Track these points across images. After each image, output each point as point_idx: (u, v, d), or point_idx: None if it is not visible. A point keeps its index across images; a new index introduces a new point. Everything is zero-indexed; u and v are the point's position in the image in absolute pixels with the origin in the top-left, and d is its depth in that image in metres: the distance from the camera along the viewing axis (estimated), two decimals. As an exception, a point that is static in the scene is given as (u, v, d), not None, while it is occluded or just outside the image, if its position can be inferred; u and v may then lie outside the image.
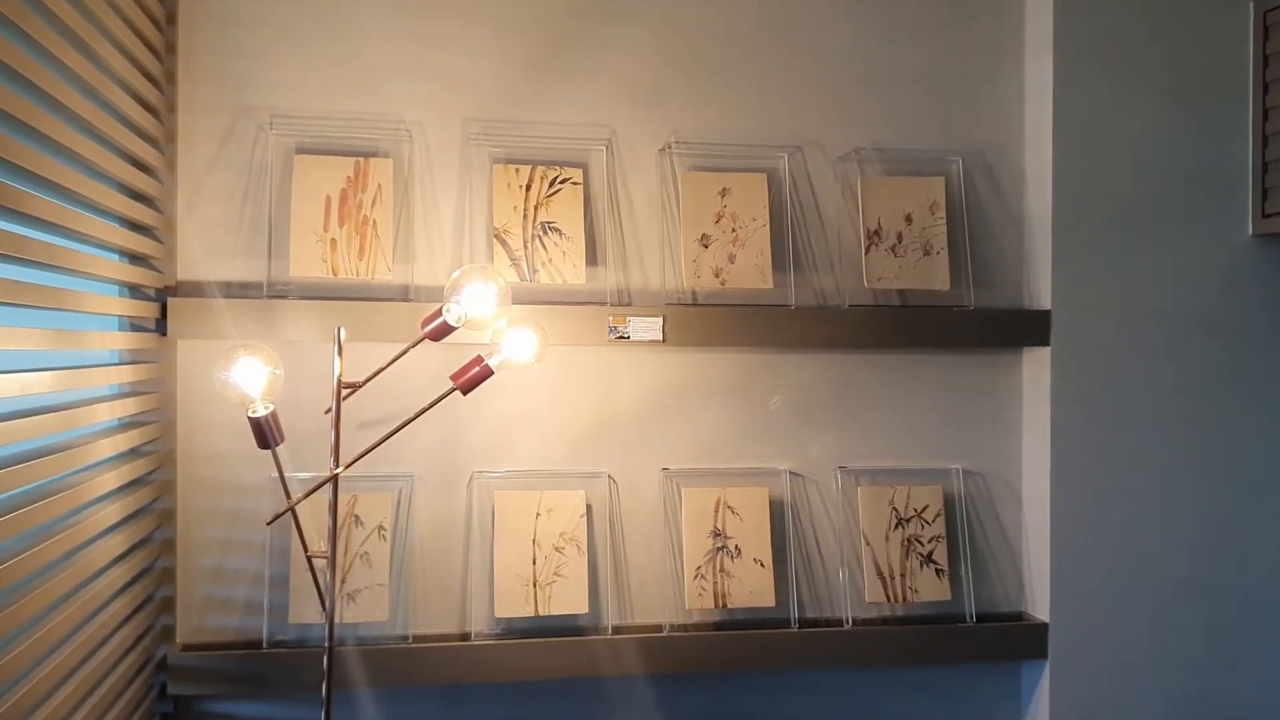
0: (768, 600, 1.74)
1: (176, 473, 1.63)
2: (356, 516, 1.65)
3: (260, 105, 1.65)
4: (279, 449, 1.40)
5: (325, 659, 1.42)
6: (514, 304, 1.50)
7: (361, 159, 1.65)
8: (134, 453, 1.51)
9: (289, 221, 1.62)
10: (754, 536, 1.75)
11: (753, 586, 1.74)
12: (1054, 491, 1.80)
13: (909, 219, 1.80)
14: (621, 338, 1.68)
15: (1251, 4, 1.86)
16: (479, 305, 1.43)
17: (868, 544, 1.79)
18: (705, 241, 1.74)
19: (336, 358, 1.41)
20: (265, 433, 1.38)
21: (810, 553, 1.81)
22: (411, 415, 1.44)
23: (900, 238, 1.79)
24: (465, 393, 1.45)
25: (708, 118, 1.78)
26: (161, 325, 1.59)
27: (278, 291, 1.62)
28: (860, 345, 1.81)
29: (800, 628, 1.75)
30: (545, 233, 1.69)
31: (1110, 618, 1.82)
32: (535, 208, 1.70)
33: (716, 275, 1.74)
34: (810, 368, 1.81)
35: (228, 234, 1.64)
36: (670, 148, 1.76)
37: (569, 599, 1.68)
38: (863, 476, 1.82)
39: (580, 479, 1.74)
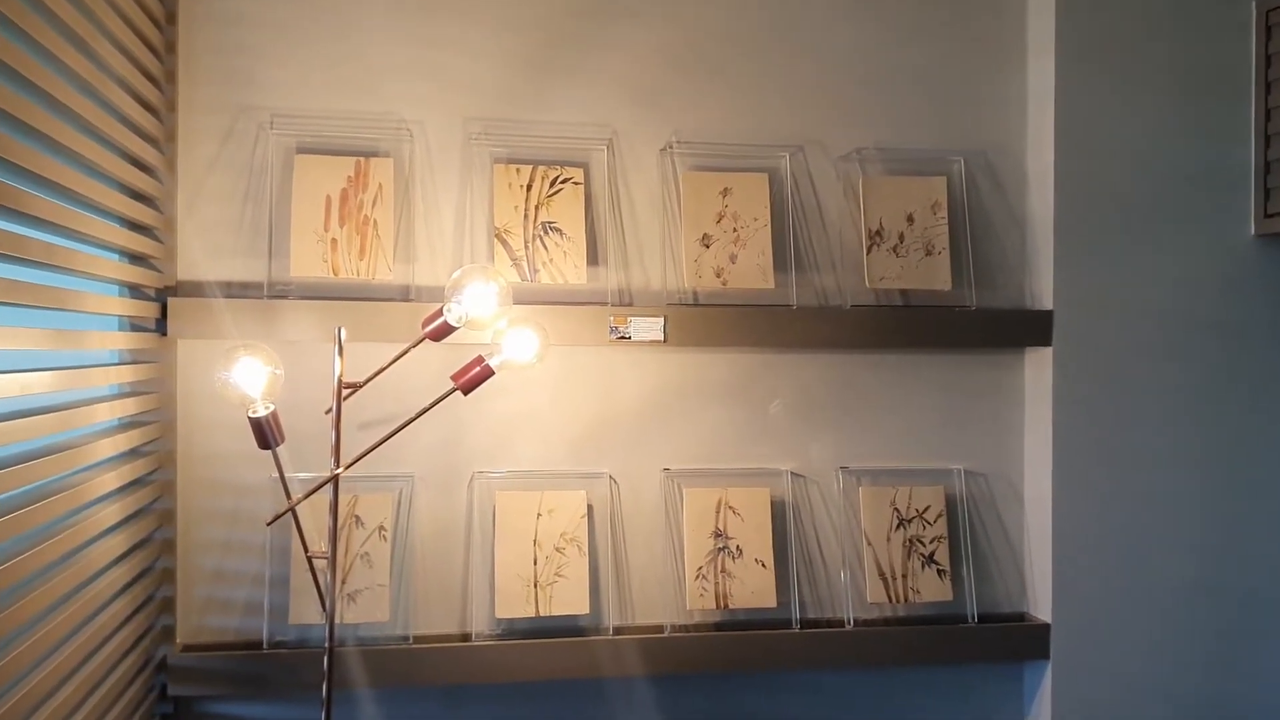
0: (769, 601, 1.74)
1: (176, 473, 1.63)
2: (357, 517, 1.64)
3: (261, 105, 1.65)
4: (279, 449, 1.40)
5: (326, 660, 1.41)
6: (515, 304, 1.50)
7: (362, 159, 1.65)
8: (134, 453, 1.51)
9: (289, 221, 1.62)
10: (755, 537, 1.75)
11: (754, 587, 1.74)
12: (1056, 492, 1.80)
13: (911, 219, 1.80)
14: (623, 338, 1.68)
15: (1253, 4, 1.85)
16: (480, 305, 1.43)
17: (869, 544, 1.79)
18: (706, 241, 1.74)
19: (337, 358, 1.41)
20: (265, 433, 1.38)
21: (812, 553, 1.81)
22: (412, 415, 1.44)
23: (902, 237, 1.79)
24: (466, 393, 1.45)
25: (709, 117, 1.78)
26: (161, 325, 1.59)
27: (278, 291, 1.62)
28: (862, 345, 1.80)
29: (802, 628, 1.75)
30: (546, 232, 1.69)
31: (1113, 618, 1.82)
32: (536, 208, 1.69)
33: (718, 275, 1.73)
34: (812, 368, 1.81)
35: (228, 234, 1.64)
36: (671, 147, 1.76)
37: (570, 599, 1.68)
38: (864, 477, 1.82)
39: (581, 479, 1.73)
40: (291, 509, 1.41)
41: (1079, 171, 1.80)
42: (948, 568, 1.80)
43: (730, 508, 1.75)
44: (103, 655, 1.35)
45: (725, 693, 1.80)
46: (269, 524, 1.49)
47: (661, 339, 1.69)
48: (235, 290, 1.63)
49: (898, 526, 1.80)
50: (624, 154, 1.76)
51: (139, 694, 1.50)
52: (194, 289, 1.63)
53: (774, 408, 1.78)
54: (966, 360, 1.85)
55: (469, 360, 1.45)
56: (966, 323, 1.80)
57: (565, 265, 1.69)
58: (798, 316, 1.74)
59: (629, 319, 1.68)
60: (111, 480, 1.39)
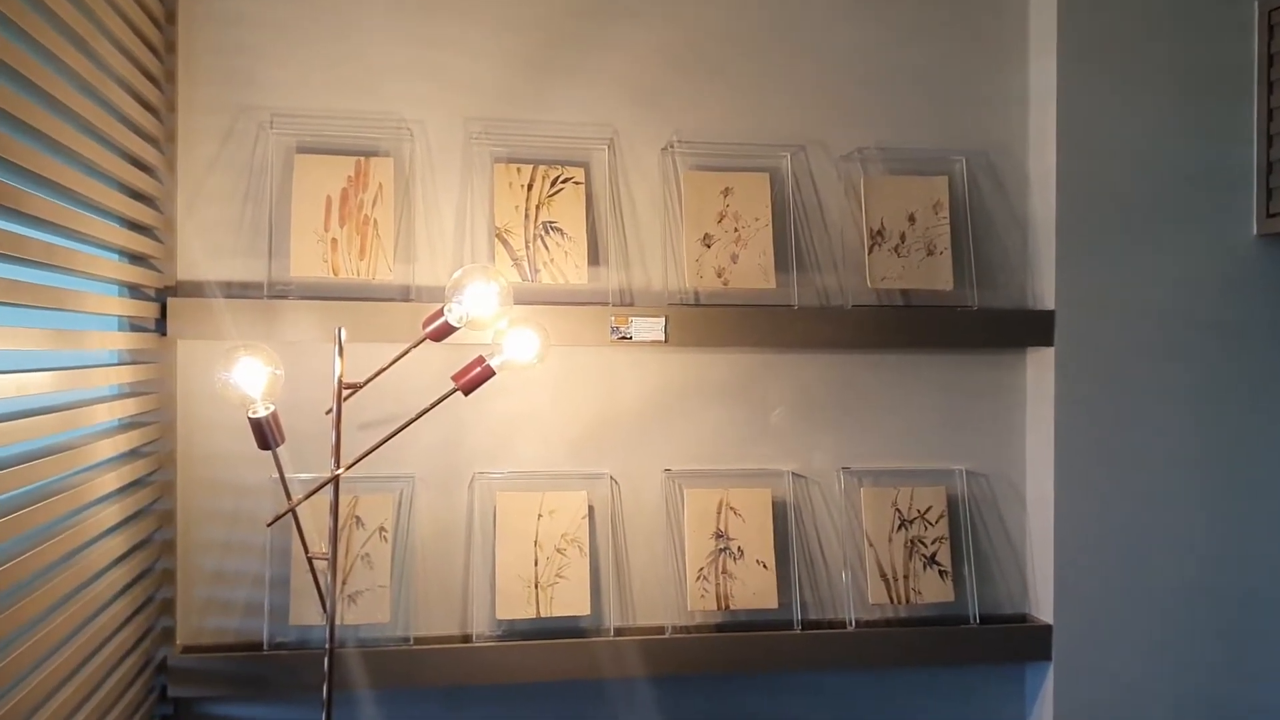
0: (770, 602, 1.73)
1: (176, 474, 1.63)
2: (357, 518, 1.64)
3: (261, 104, 1.64)
4: (279, 450, 1.39)
5: (326, 661, 1.41)
6: (516, 304, 1.50)
7: (362, 158, 1.64)
8: (134, 454, 1.51)
9: (289, 221, 1.62)
10: (756, 538, 1.75)
11: (755, 588, 1.73)
12: (1058, 492, 1.79)
13: (912, 219, 1.79)
14: (624, 338, 1.68)
15: (1255, 3, 1.85)
16: (481, 305, 1.42)
17: (871, 545, 1.78)
18: (708, 241, 1.73)
19: (337, 358, 1.41)
20: (266, 433, 1.37)
21: (813, 554, 1.81)
22: (413, 416, 1.44)
23: (903, 237, 1.79)
24: (467, 393, 1.44)
25: (710, 117, 1.78)
26: (161, 325, 1.58)
27: (278, 291, 1.62)
28: (863, 345, 1.80)
29: (803, 629, 1.75)
30: (547, 232, 1.69)
31: (1115, 619, 1.81)
32: (537, 207, 1.69)
33: (719, 275, 1.73)
34: (813, 368, 1.81)
35: (228, 234, 1.64)
36: (672, 147, 1.76)
37: (571, 600, 1.68)
38: (866, 477, 1.82)
39: (582, 480, 1.73)
40: (292, 510, 1.40)
41: (1081, 171, 1.80)
42: (949, 568, 1.79)
43: (731, 508, 1.75)
44: (103, 657, 1.35)
45: (726, 694, 1.79)
46: (269, 525, 1.48)
47: (662, 339, 1.69)
48: (235, 290, 1.63)
49: (899, 527, 1.79)
50: (625, 153, 1.75)
51: (139, 695, 1.50)
52: (194, 289, 1.62)
53: (775, 416, 1.77)
54: (968, 360, 1.85)
55: (469, 360, 1.45)
56: (968, 323, 1.79)
57: (566, 265, 1.68)
58: (799, 316, 1.74)
59: (630, 319, 1.68)
60: (111, 481, 1.39)
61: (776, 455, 1.80)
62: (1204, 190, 1.84)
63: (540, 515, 1.69)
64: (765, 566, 1.74)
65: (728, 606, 1.72)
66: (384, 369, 1.44)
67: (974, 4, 1.85)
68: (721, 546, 1.74)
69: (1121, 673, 1.82)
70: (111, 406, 1.40)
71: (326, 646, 1.41)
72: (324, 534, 1.48)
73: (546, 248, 1.68)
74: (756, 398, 1.79)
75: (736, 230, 1.74)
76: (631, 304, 1.74)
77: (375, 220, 1.63)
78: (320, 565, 1.43)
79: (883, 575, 1.78)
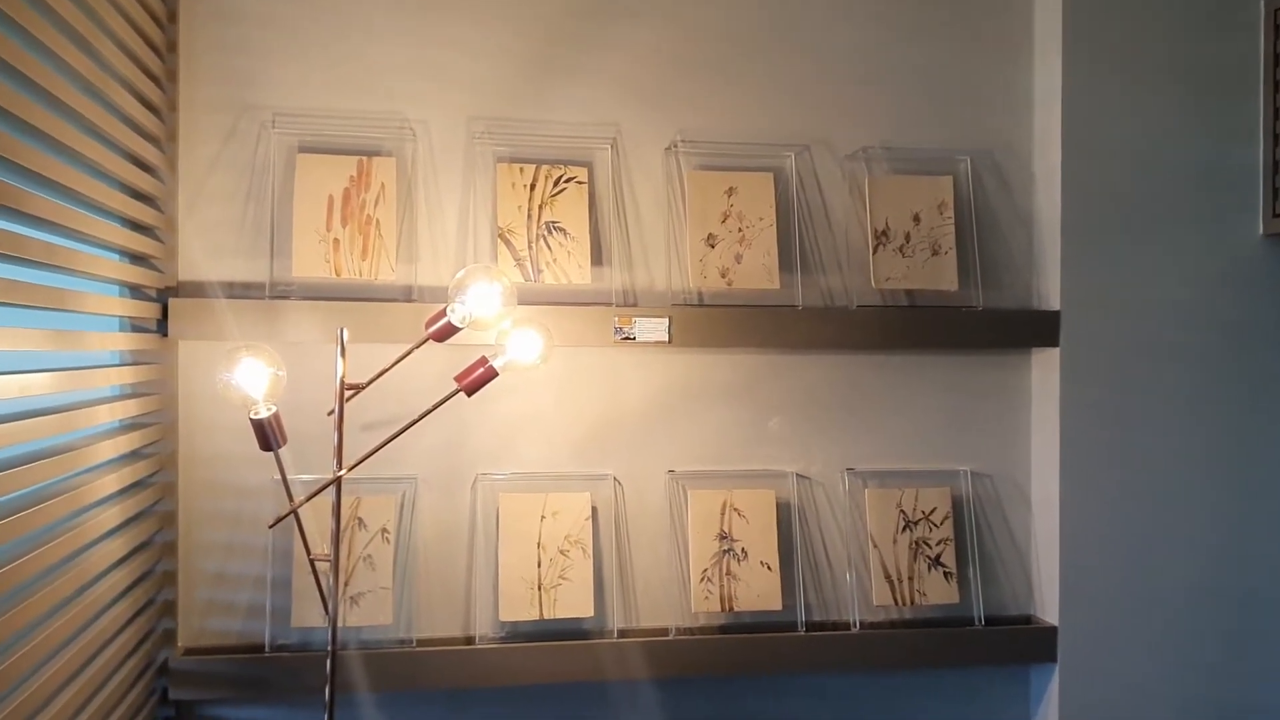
0: (774, 603, 1.73)
1: (178, 475, 1.62)
2: (359, 519, 1.63)
3: (262, 104, 1.64)
4: (281, 451, 1.38)
5: (328, 663, 1.40)
6: (519, 304, 1.49)
7: (364, 158, 1.64)
8: (135, 455, 1.50)
9: (291, 221, 1.61)
10: (760, 539, 1.74)
11: (759, 590, 1.72)
12: (1063, 493, 1.78)
13: (917, 219, 1.79)
14: (627, 339, 1.67)
15: (1262, 2, 1.84)
16: (484, 306, 1.42)
17: (875, 547, 1.77)
18: (711, 241, 1.73)
19: (339, 359, 1.40)
20: (267, 435, 1.37)
21: (817, 556, 1.80)
22: (415, 417, 1.43)
23: (908, 237, 1.78)
24: (469, 394, 1.44)
25: (714, 116, 1.77)
26: (163, 326, 1.58)
27: (280, 292, 1.61)
28: (867, 346, 1.79)
29: (807, 631, 1.74)
30: (550, 232, 1.68)
31: (1120, 621, 1.81)
32: (540, 207, 1.68)
33: (723, 275, 1.72)
34: (817, 369, 1.80)
35: (229, 234, 1.63)
36: (676, 146, 1.75)
37: (574, 602, 1.67)
38: (870, 479, 1.81)
39: (585, 481, 1.72)
40: (294, 511, 1.40)
41: (1086, 171, 1.79)
42: (954, 570, 1.79)
43: (735, 510, 1.74)
44: (104, 659, 1.34)
45: (730, 696, 1.78)
46: (271, 526, 1.48)
47: (666, 340, 1.68)
48: (237, 291, 1.62)
49: (904, 528, 1.79)
50: (628, 153, 1.75)
51: (140, 698, 1.49)
52: (195, 289, 1.62)
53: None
54: (973, 361, 1.84)
55: (472, 361, 1.44)
56: (973, 323, 1.78)
57: (569, 265, 1.68)
58: (803, 317, 1.73)
59: (633, 320, 1.67)
60: (112, 482, 1.38)
61: (781, 456, 1.79)
62: (1210, 190, 1.83)
63: (543, 516, 1.68)
64: (769, 568, 1.73)
65: (731, 608, 1.72)
66: (386, 370, 1.43)
67: (979, 3, 1.85)
68: (725, 548, 1.73)
69: (1127, 674, 1.81)
70: (112, 407, 1.39)
71: (329, 648, 1.40)
72: (326, 535, 1.47)
73: (549, 248, 1.68)
74: (760, 399, 1.78)
75: (740, 230, 1.74)
76: (635, 304, 1.73)
77: (377, 220, 1.63)
78: (322, 567, 1.43)
79: (887, 577, 1.77)
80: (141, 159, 1.49)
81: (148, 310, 1.54)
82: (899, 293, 1.81)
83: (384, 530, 1.64)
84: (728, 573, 1.72)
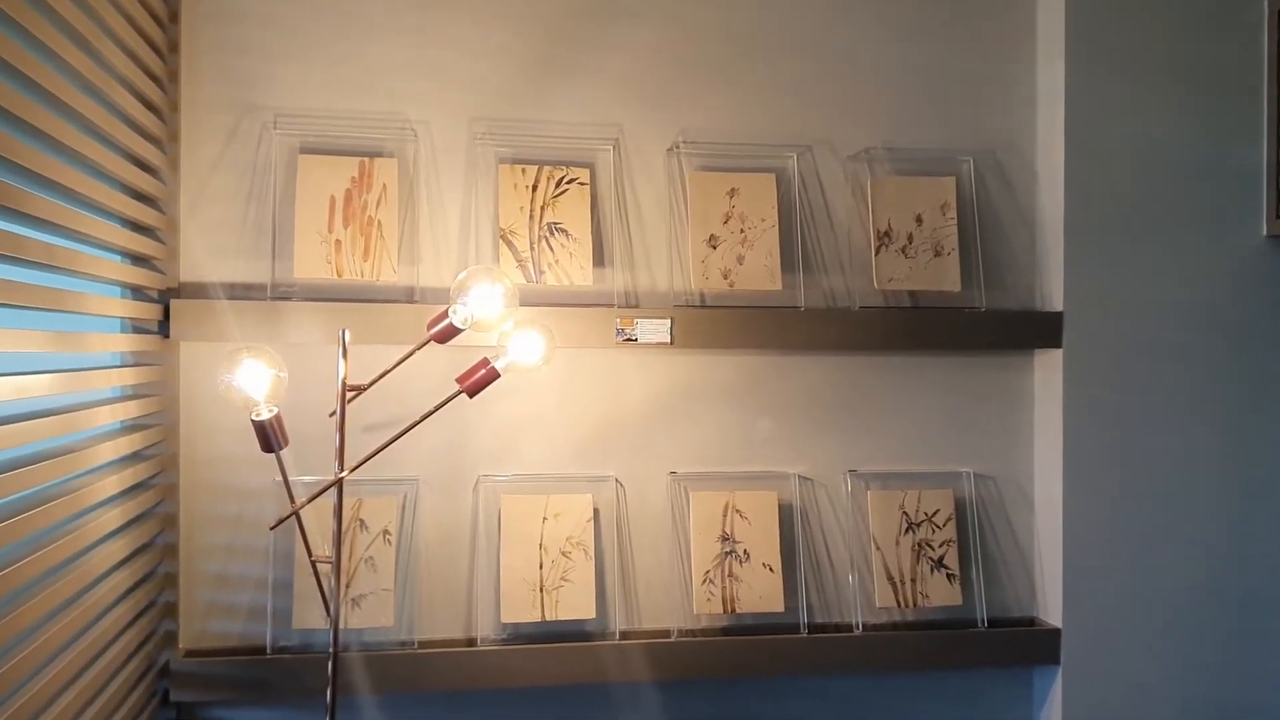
0: (777, 605, 1.72)
1: (179, 476, 1.62)
2: (361, 520, 1.63)
3: (264, 104, 1.63)
4: (283, 452, 1.38)
5: (329, 665, 1.40)
6: (520, 306, 1.48)
7: (366, 159, 1.63)
8: (136, 456, 1.50)
9: (293, 222, 1.61)
10: (763, 541, 1.73)
11: (762, 591, 1.72)
12: (1066, 495, 1.78)
13: (919, 219, 1.78)
14: (629, 340, 1.66)
15: (1265, 2, 1.84)
16: (486, 307, 1.41)
17: (878, 548, 1.77)
18: (713, 242, 1.72)
19: (341, 360, 1.40)
20: (269, 436, 1.36)
21: (820, 557, 1.79)
22: (417, 418, 1.43)
23: (911, 238, 1.77)
24: (471, 395, 1.43)
25: (716, 117, 1.76)
26: (164, 327, 1.57)
27: (282, 293, 1.61)
28: (870, 347, 1.79)
29: (810, 633, 1.74)
30: (552, 233, 1.68)
31: (1124, 623, 1.80)
32: (542, 208, 1.68)
33: (725, 277, 1.72)
34: (820, 370, 1.79)
35: (231, 235, 1.63)
36: (678, 147, 1.75)
37: (576, 604, 1.66)
38: (873, 480, 1.80)
39: (587, 483, 1.72)
40: (295, 513, 1.39)
41: (1089, 171, 1.79)
42: (957, 572, 1.78)
43: (737, 511, 1.74)
44: (105, 661, 1.34)
45: (732, 698, 1.78)
46: (272, 528, 1.47)
47: (668, 341, 1.67)
48: (238, 292, 1.62)
49: (906, 530, 1.78)
50: (630, 154, 1.74)
51: (141, 699, 1.49)
52: (197, 290, 1.61)
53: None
54: (976, 362, 1.84)
55: (474, 362, 1.44)
56: (976, 324, 1.78)
57: (571, 266, 1.67)
58: (805, 318, 1.73)
59: (635, 321, 1.67)
60: (113, 484, 1.38)
61: (783, 458, 1.79)
62: (1213, 190, 1.83)
63: (545, 518, 1.68)
64: (771, 570, 1.73)
65: (734, 610, 1.71)
66: (388, 371, 1.43)
67: (981, 3, 1.84)
68: (727, 549, 1.73)
69: (1131, 676, 1.81)
70: (114, 409, 1.39)
71: (330, 650, 1.40)
72: (327, 537, 1.47)
73: (551, 249, 1.67)
74: (762, 400, 1.78)
75: (742, 231, 1.73)
76: (637, 306, 1.73)
77: (379, 221, 1.62)
78: (324, 568, 1.42)
79: (890, 578, 1.76)
80: (143, 160, 1.49)
81: (149, 311, 1.54)
82: (901, 294, 1.81)
83: (385, 532, 1.64)
84: (730, 574, 1.72)
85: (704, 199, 1.73)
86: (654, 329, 1.67)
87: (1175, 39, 1.82)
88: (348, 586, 1.61)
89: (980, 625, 1.78)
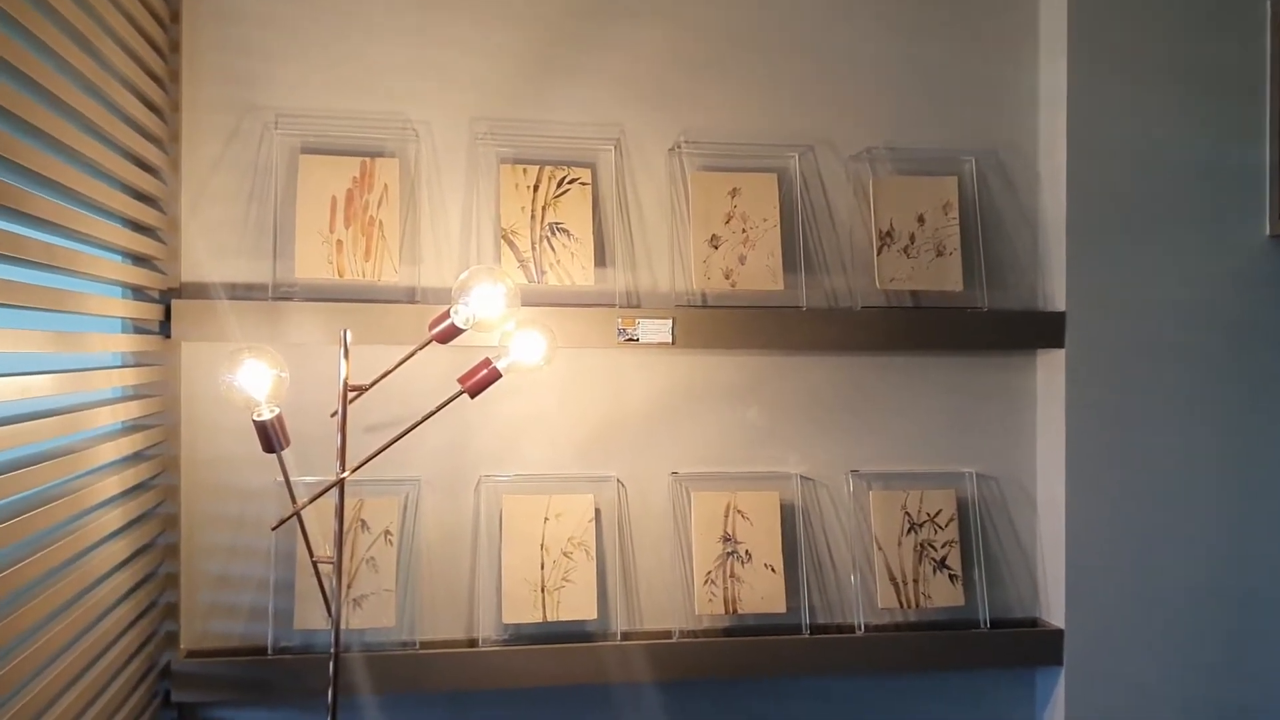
0: (779, 606, 1.72)
1: (180, 477, 1.61)
2: (363, 521, 1.63)
3: (265, 104, 1.63)
4: (284, 453, 1.38)
5: (331, 665, 1.40)
6: (522, 306, 1.48)
7: (367, 159, 1.63)
8: (137, 457, 1.49)
9: (294, 222, 1.60)
10: (765, 541, 1.73)
11: (764, 592, 1.72)
12: (1069, 495, 1.78)
13: (922, 219, 1.78)
14: (630, 340, 1.66)
15: (1268, 2, 1.83)
16: (487, 307, 1.41)
17: (880, 549, 1.77)
18: (715, 242, 1.72)
19: (343, 360, 1.40)
20: (270, 436, 1.36)
21: (822, 558, 1.79)
22: (419, 419, 1.42)
23: (913, 238, 1.77)
24: (473, 395, 1.43)
25: (717, 117, 1.76)
26: (165, 327, 1.57)
27: (283, 293, 1.61)
28: (872, 347, 1.78)
29: (812, 634, 1.73)
30: (553, 234, 1.67)
31: (1127, 623, 1.80)
32: (543, 208, 1.68)
33: (726, 276, 1.71)
34: (822, 370, 1.79)
35: (232, 235, 1.63)
36: (679, 147, 1.74)
37: (577, 604, 1.66)
38: (875, 480, 1.80)
39: (589, 483, 1.72)
40: (297, 513, 1.39)
41: (1092, 171, 1.78)
42: (959, 572, 1.78)
43: (739, 511, 1.73)
44: (106, 661, 1.33)
45: (734, 699, 1.78)
46: (274, 528, 1.47)
47: (670, 341, 1.67)
48: (240, 292, 1.62)
49: (908, 530, 1.78)
50: (632, 154, 1.74)
51: (142, 700, 1.48)
52: (198, 290, 1.61)
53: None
54: (978, 362, 1.84)
55: (476, 363, 1.44)
56: (978, 324, 1.78)
57: (573, 266, 1.67)
58: (807, 318, 1.72)
59: (637, 321, 1.67)
60: (114, 484, 1.38)
61: (785, 458, 1.78)
62: (1216, 190, 1.82)
63: (547, 518, 1.68)
64: (773, 570, 1.72)
65: (735, 611, 1.71)
66: (390, 371, 1.43)
67: (983, 3, 1.84)
68: (729, 550, 1.72)
69: (1134, 677, 1.80)
70: (114, 409, 1.38)
71: (331, 651, 1.40)
72: (329, 537, 1.47)
73: (553, 249, 1.67)
74: (765, 400, 1.78)
75: (744, 231, 1.73)
76: (638, 306, 1.73)
77: (380, 221, 1.62)
78: (325, 569, 1.42)
79: (892, 579, 1.76)
80: (144, 160, 1.49)
81: (150, 311, 1.53)
82: (904, 294, 1.80)
83: (387, 532, 1.63)
84: (731, 575, 1.72)
85: (706, 199, 1.73)
86: (655, 329, 1.67)
87: (1177, 39, 1.81)
88: (349, 587, 1.61)
89: (983, 626, 1.78)
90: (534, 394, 1.70)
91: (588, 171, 1.70)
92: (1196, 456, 1.82)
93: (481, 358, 1.44)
